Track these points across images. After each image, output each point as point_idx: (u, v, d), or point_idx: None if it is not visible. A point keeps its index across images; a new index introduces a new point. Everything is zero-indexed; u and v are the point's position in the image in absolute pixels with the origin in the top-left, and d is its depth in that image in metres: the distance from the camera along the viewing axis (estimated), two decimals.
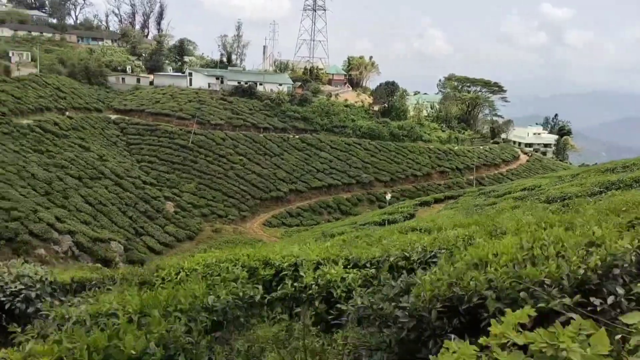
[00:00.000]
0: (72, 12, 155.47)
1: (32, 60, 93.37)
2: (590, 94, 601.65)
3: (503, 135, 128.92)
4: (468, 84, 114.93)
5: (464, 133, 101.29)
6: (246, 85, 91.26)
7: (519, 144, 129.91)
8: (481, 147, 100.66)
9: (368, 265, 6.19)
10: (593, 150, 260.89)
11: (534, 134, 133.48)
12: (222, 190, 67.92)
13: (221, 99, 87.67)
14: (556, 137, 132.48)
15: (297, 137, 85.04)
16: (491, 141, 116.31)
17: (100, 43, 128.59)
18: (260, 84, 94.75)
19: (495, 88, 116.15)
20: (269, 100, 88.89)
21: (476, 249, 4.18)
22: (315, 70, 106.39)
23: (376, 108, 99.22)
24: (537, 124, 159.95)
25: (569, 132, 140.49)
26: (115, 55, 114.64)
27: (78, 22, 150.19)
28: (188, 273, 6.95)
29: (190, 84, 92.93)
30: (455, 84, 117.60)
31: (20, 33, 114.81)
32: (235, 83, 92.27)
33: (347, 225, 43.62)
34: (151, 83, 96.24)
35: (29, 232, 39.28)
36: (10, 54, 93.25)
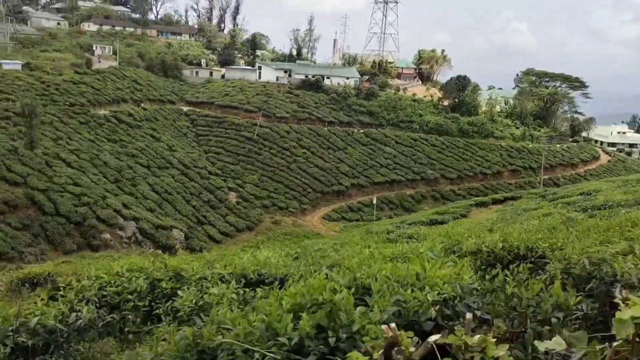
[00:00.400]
0: (154, 8, 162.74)
1: (113, 53, 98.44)
2: None
3: (584, 134, 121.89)
4: (547, 79, 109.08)
5: (539, 130, 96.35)
6: (313, 78, 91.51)
7: (601, 143, 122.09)
8: (558, 145, 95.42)
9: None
10: None
11: (618, 133, 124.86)
12: (284, 183, 68.65)
13: (288, 92, 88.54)
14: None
15: (361, 131, 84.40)
16: (570, 140, 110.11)
17: (178, 37, 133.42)
18: (328, 78, 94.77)
19: (576, 84, 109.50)
20: (335, 94, 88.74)
21: None
22: (384, 64, 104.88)
23: (446, 103, 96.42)
24: (622, 122, 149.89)
25: None
26: (191, 50, 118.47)
27: (159, 17, 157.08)
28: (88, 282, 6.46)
29: (259, 77, 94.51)
30: (533, 78, 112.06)
31: (105, 28, 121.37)
32: (303, 76, 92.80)
33: (397, 223, 42.84)
34: (223, 76, 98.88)
35: (96, 217, 41.48)
36: (94, 48, 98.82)
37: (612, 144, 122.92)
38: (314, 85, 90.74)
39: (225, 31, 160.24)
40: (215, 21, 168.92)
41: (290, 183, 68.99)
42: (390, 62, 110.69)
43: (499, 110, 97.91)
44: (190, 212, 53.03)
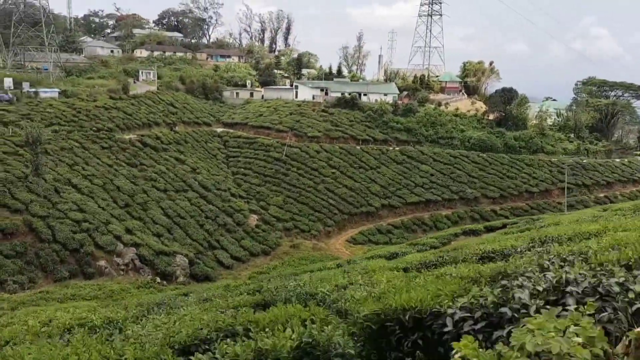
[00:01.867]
0: (207, 32, 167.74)
1: (158, 78, 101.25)
2: None
3: None
4: (606, 88, 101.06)
5: (596, 144, 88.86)
6: (349, 96, 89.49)
7: None
8: (618, 160, 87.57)
9: None
10: None
11: None
12: (309, 204, 66.68)
13: (322, 110, 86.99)
14: None
15: (397, 149, 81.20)
16: (637, 152, 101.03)
17: (227, 60, 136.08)
18: (365, 95, 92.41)
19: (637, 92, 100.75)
20: (371, 111, 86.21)
21: None
22: (427, 78, 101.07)
23: (491, 117, 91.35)
24: None
25: None
26: (237, 71, 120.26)
27: (210, 41, 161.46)
28: None
29: (296, 97, 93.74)
30: (593, 88, 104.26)
31: (155, 53, 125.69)
32: (339, 94, 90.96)
33: (411, 246, 39.61)
34: (263, 97, 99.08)
35: (94, 244, 41.30)
36: (140, 73, 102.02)
37: None
38: (349, 102, 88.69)
39: (277, 52, 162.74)
40: (267, 42, 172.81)
41: (315, 204, 66.93)
42: (435, 76, 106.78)
43: (550, 123, 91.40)
44: (202, 237, 52.16)
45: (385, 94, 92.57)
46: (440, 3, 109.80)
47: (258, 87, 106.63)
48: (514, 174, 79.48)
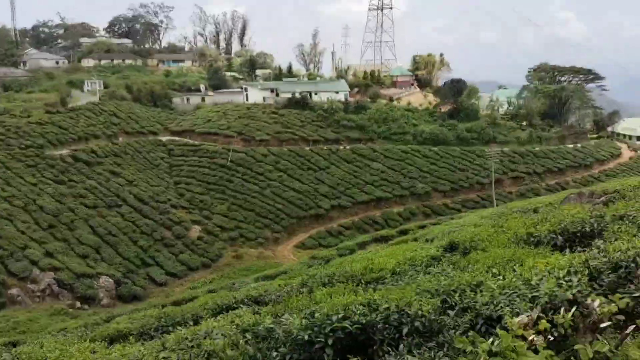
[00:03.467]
0: (159, 37, 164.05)
1: (104, 87, 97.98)
2: None
3: (610, 129, 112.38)
4: (557, 74, 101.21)
5: (548, 131, 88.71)
6: (299, 96, 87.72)
7: (630, 137, 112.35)
8: (571, 145, 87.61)
9: None
10: None
11: None
12: (256, 211, 64.76)
13: (273, 112, 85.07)
14: None
15: (348, 148, 79.74)
16: (593, 136, 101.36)
17: (180, 64, 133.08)
18: (316, 94, 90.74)
19: (591, 76, 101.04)
20: (322, 111, 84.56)
21: None
22: (377, 73, 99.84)
23: (444, 110, 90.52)
24: None
25: None
26: (190, 76, 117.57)
27: (163, 46, 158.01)
28: None
29: (247, 99, 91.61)
30: (544, 74, 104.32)
31: (103, 62, 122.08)
32: (290, 95, 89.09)
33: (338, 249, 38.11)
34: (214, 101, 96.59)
35: (7, 272, 38.76)
36: (86, 83, 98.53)
37: None
38: (300, 103, 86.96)
39: (233, 53, 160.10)
40: (223, 44, 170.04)
41: (262, 210, 65.03)
42: (386, 70, 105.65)
43: (502, 112, 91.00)
44: (134, 254, 49.86)
45: (337, 92, 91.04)
46: None
47: (210, 91, 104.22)
48: (466, 166, 78.74)
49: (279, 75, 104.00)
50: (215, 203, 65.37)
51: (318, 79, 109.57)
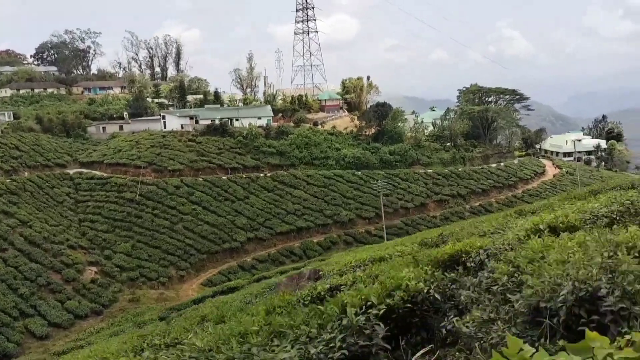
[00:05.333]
0: (88, 64, 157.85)
1: (16, 118, 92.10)
2: None
3: (537, 146, 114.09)
4: (481, 95, 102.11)
5: (472, 151, 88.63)
6: (219, 123, 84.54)
7: (557, 154, 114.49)
8: (494, 165, 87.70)
9: None
10: None
11: (573, 141, 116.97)
12: (163, 248, 60.69)
13: (189, 140, 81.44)
14: (603, 142, 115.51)
15: (268, 175, 76.87)
16: (522, 154, 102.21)
17: (107, 91, 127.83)
18: (237, 120, 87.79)
19: (516, 96, 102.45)
20: (242, 137, 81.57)
21: None
22: (304, 98, 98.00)
23: (370, 133, 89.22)
24: (583, 128, 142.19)
25: (619, 136, 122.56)
26: (114, 103, 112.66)
27: (91, 72, 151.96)
28: None
29: (165, 127, 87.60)
30: (471, 96, 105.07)
31: (22, 91, 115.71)
32: (210, 121, 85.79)
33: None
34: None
35: None
36: None
37: (569, 154, 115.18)
38: (219, 129, 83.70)
39: (168, 79, 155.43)
40: (157, 69, 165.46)
41: (170, 247, 60.99)
42: (316, 94, 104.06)
43: (427, 135, 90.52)
44: (11, 304, 44.94)
45: (259, 118, 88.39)
46: (315, 20, 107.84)
47: (130, 118, 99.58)
48: (390, 191, 77.07)
49: (202, 102, 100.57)
50: (119, 241, 60.88)
51: (254, 103, 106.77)
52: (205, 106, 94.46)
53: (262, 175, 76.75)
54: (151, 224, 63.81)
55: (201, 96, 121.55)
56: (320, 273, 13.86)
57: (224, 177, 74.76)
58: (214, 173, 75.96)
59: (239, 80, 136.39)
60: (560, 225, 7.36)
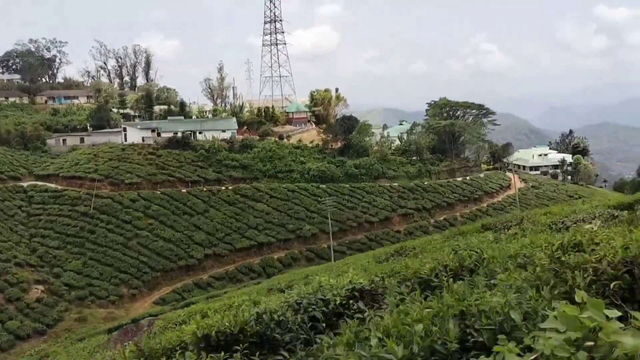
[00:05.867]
0: (54, 72, 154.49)
1: None
2: None
3: (505, 160, 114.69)
4: (447, 109, 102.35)
5: (437, 165, 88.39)
6: (181, 135, 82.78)
7: (523, 167, 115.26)
8: (459, 179, 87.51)
9: None
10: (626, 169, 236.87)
11: (540, 155, 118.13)
12: (115, 265, 58.47)
13: (150, 153, 79.42)
14: (569, 157, 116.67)
15: (230, 188, 75.26)
16: (489, 167, 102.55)
17: (73, 101, 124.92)
18: (200, 133, 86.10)
19: (482, 111, 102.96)
20: (204, 150, 79.90)
21: None
22: (271, 110, 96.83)
23: (336, 146, 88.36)
24: (550, 143, 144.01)
25: (584, 150, 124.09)
26: (79, 114, 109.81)
27: (57, 81, 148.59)
28: None
29: (125, 140, 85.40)
30: (438, 110, 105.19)
31: None
32: (172, 134, 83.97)
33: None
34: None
35: None
36: None
37: (535, 168, 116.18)
38: (181, 142, 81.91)
39: (137, 88, 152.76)
40: (127, 78, 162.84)
41: (122, 264, 58.79)
42: (284, 106, 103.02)
43: (393, 148, 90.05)
44: None
45: (224, 130, 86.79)
46: (283, 32, 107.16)
47: (92, 130, 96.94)
48: (355, 204, 76.17)
49: (166, 113, 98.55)
50: (70, 258, 58.48)
51: (220, 115, 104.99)
52: (169, 118, 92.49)
53: (223, 188, 75.12)
54: (104, 240, 61.54)
55: (166, 106, 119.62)
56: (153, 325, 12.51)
57: (183, 190, 72.95)
58: (173, 186, 74.09)
59: (209, 90, 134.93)
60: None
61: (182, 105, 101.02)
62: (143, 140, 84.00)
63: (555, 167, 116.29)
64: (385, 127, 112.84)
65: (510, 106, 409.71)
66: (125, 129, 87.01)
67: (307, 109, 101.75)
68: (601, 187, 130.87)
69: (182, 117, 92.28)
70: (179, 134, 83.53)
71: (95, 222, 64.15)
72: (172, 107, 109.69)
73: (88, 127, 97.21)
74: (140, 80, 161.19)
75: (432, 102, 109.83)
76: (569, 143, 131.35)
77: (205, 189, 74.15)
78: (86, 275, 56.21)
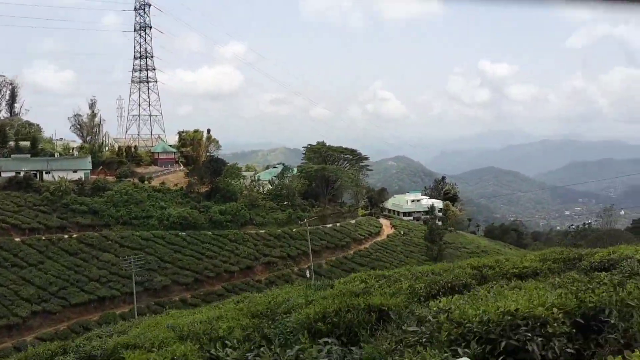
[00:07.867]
0: None
1: None
2: (540, 142, 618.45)
3: (381, 205, 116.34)
4: (323, 153, 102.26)
5: (309, 211, 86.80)
6: (24, 175, 74.26)
7: (397, 213, 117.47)
8: (329, 225, 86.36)
9: None
10: (493, 215, 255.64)
11: (412, 201, 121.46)
12: None
13: None
14: (439, 202, 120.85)
15: (74, 236, 67.88)
16: (365, 212, 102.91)
17: None
18: (48, 173, 78.00)
19: (355, 156, 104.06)
20: (49, 193, 71.99)
21: None
22: (134, 150, 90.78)
23: (203, 190, 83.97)
24: (426, 188, 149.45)
25: (454, 197, 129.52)
26: None
27: None
28: None
29: None
30: (312, 155, 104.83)
31: None
32: (14, 174, 75.13)
33: None
34: None
35: None
36: None
37: (409, 213, 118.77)
38: (23, 183, 73.36)
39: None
40: None
41: None
42: (148, 147, 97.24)
43: (264, 193, 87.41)
44: None
45: (75, 170, 79.31)
46: (155, 69, 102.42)
47: None
48: (215, 253, 71.79)
49: (13, 151, 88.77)
50: None
51: (76, 153, 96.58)
52: (12, 156, 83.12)
53: (66, 236, 67.55)
54: None
55: (32, 142, 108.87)
56: None
57: (17, 239, 64.50)
58: (6, 234, 65.36)
59: (78, 126, 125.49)
60: None
61: (35, 141, 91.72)
62: None
63: (427, 212, 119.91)
64: (275, 167, 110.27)
65: (407, 149, 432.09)
66: None
67: (174, 150, 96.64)
68: (473, 232, 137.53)
69: (29, 156, 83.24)
70: (22, 174, 74.93)
71: None
72: (34, 143, 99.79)
73: None
74: (4, 114, 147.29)
75: (309, 146, 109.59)
76: (441, 189, 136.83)
77: (44, 237, 66.23)
78: None
